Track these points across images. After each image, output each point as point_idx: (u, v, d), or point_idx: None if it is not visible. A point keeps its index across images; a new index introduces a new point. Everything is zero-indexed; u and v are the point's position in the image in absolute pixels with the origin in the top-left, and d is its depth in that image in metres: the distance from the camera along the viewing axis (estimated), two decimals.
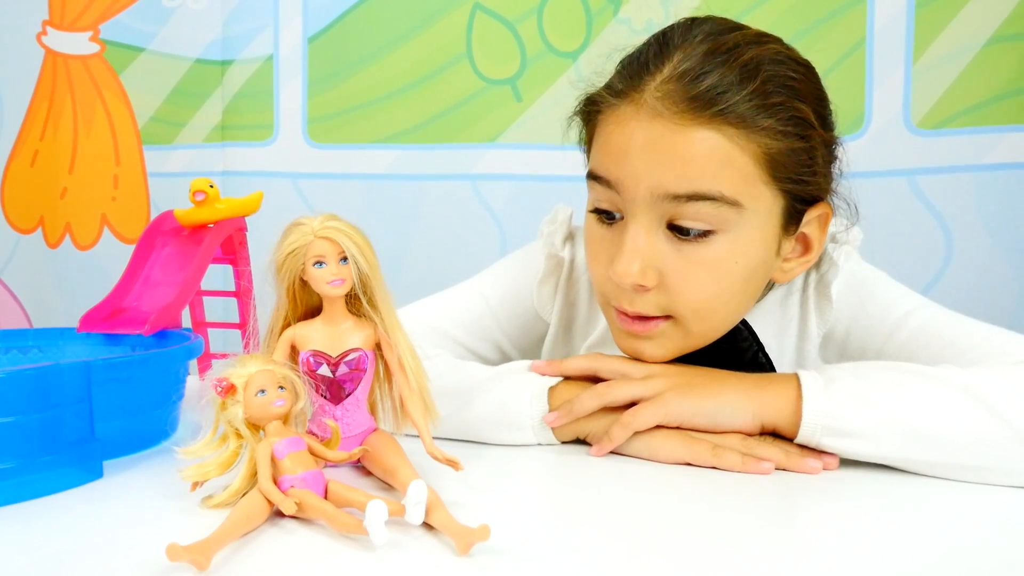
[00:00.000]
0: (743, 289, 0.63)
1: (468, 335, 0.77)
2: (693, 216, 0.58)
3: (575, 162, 1.32)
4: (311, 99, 1.41)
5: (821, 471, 0.57)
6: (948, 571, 0.42)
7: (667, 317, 0.62)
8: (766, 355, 0.69)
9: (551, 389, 0.64)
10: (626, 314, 0.63)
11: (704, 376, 0.62)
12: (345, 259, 0.53)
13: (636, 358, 0.64)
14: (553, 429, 0.63)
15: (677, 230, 0.60)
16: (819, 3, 1.24)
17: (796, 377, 0.59)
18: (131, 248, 1.49)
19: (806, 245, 0.65)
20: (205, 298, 0.89)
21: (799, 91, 0.59)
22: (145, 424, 0.61)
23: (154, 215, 1.51)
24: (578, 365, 0.65)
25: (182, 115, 1.46)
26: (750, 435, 0.60)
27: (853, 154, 1.28)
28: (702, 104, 0.57)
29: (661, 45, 0.62)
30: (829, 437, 0.57)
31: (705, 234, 0.59)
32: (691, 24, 0.63)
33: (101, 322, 0.72)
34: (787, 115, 0.58)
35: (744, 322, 0.68)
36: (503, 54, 1.35)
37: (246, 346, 0.87)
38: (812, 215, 0.63)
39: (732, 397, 0.60)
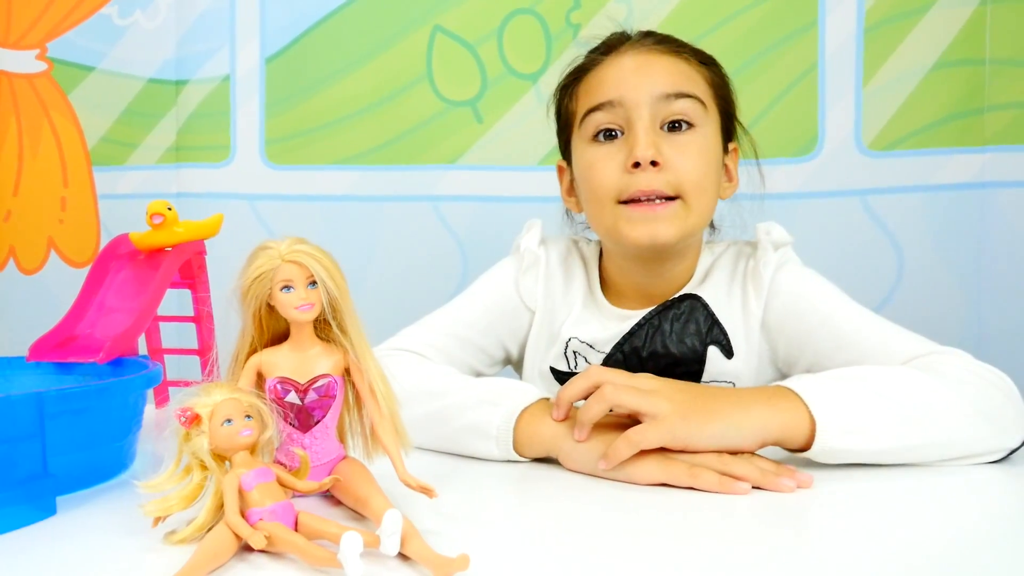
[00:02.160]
0: (715, 180, 0.80)
1: (477, 334, 0.85)
2: (681, 112, 0.77)
3: (537, 183, 1.33)
4: (269, 120, 1.39)
5: (795, 489, 0.57)
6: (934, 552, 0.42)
7: (675, 198, 0.76)
8: (720, 327, 0.80)
9: (525, 410, 0.65)
10: (641, 201, 0.76)
11: (700, 397, 0.62)
12: (314, 283, 0.51)
13: (651, 241, 0.76)
14: (516, 443, 0.64)
15: (670, 127, 0.78)
16: (772, 29, 1.27)
17: (787, 389, 0.62)
18: (80, 273, 1.46)
19: (729, 175, 0.86)
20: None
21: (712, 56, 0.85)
22: (101, 457, 0.59)
23: (105, 238, 1.47)
24: (578, 387, 0.64)
25: (134, 136, 1.42)
26: (751, 451, 0.61)
27: (808, 175, 1.31)
28: (667, 45, 0.81)
29: (620, 32, 0.84)
30: (842, 437, 0.60)
31: (689, 127, 0.78)
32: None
33: (52, 350, 0.69)
34: (715, 63, 0.84)
35: (701, 299, 0.81)
36: (464, 76, 1.35)
37: (207, 374, 0.84)
38: (730, 148, 0.85)
39: (737, 417, 0.61)
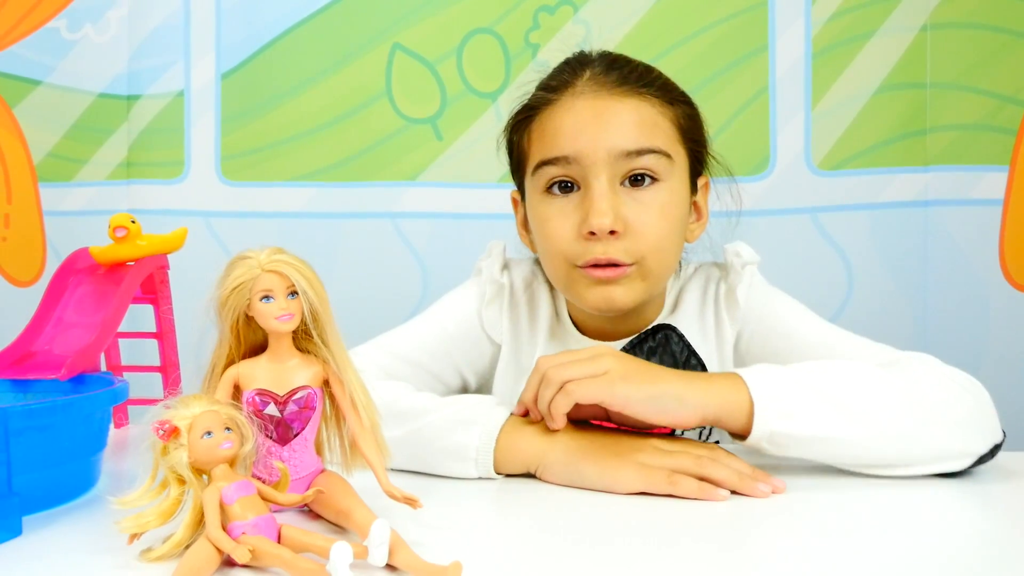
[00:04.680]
0: (679, 236, 0.76)
1: (432, 360, 0.81)
2: (643, 167, 0.72)
3: (496, 200, 1.34)
4: (225, 136, 1.37)
5: (770, 495, 0.58)
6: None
7: (632, 264, 0.72)
8: (697, 356, 0.77)
9: (503, 428, 0.64)
10: (597, 266, 0.71)
11: (649, 366, 0.64)
12: (293, 293, 0.51)
13: (607, 306, 0.73)
14: (495, 462, 0.63)
15: (632, 181, 0.72)
16: (724, 52, 1.31)
17: (734, 373, 0.62)
18: (24, 292, 1.41)
19: (698, 213, 0.81)
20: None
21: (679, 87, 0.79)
22: (67, 475, 0.56)
23: (51, 256, 1.42)
24: (532, 385, 0.64)
25: (83, 151, 1.39)
26: (689, 428, 0.62)
27: (760, 193, 1.35)
28: (631, 82, 0.73)
29: (577, 59, 0.78)
30: (782, 420, 0.60)
31: (653, 181, 0.73)
32: (588, 53, 0.79)
33: (10, 367, 0.67)
34: (683, 97, 0.77)
35: (675, 329, 0.77)
36: (423, 93, 1.36)
37: (167, 389, 0.82)
38: (700, 183, 0.80)
39: (677, 387, 0.61)
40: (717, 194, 0.87)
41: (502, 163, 1.35)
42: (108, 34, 1.37)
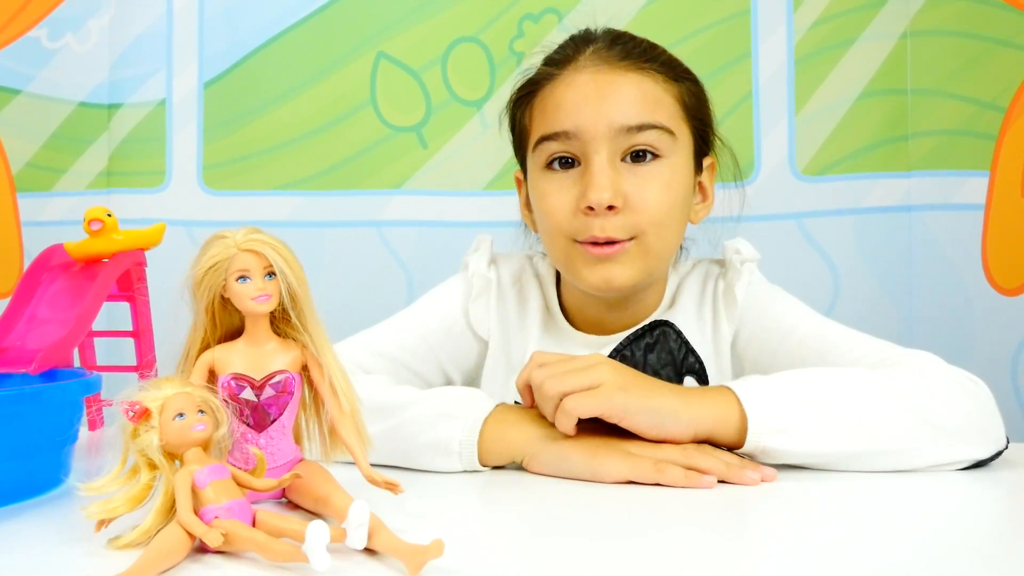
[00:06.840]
0: (681, 214, 0.75)
1: (414, 358, 0.79)
2: (645, 143, 0.71)
3: (482, 208, 1.33)
4: (207, 145, 1.36)
5: (760, 483, 0.57)
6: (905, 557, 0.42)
7: (630, 239, 0.71)
8: (695, 353, 0.75)
9: (486, 420, 0.62)
10: (596, 243, 0.70)
11: (644, 378, 0.62)
12: (271, 274, 0.50)
13: (606, 286, 0.72)
14: (480, 454, 0.61)
15: (633, 157, 0.72)
16: (708, 59, 1.32)
17: (727, 388, 0.61)
18: (1, 303, 1.38)
19: (703, 194, 0.80)
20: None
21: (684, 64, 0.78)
22: (35, 469, 0.54)
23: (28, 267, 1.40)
24: (522, 381, 0.64)
25: (63, 161, 1.37)
26: (681, 443, 0.60)
27: (746, 199, 1.35)
28: (634, 57, 0.73)
29: (581, 36, 0.77)
30: (774, 436, 0.58)
31: (655, 158, 0.72)
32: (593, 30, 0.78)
33: None
34: (688, 74, 0.77)
35: (673, 325, 0.76)
36: (408, 102, 1.35)
37: (140, 372, 0.80)
38: (706, 164, 0.79)
39: (672, 402, 0.60)
40: (728, 197, 0.85)
41: (487, 171, 1.36)
42: (89, 43, 1.36)
